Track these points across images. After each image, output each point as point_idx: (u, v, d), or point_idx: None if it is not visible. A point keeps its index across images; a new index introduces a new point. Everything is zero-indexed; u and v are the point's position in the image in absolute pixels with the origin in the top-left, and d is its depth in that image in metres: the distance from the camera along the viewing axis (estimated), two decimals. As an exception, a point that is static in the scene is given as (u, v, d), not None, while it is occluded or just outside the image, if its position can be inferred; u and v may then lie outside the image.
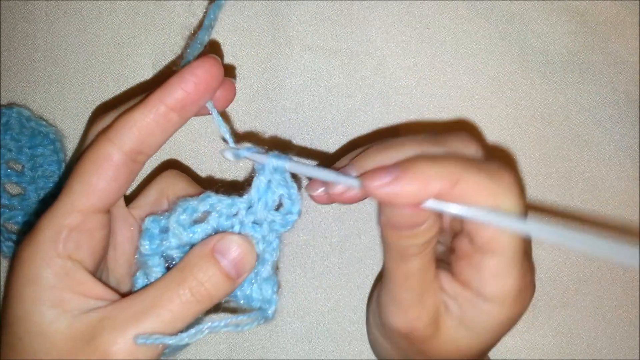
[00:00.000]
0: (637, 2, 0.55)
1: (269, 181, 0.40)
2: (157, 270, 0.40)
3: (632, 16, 0.55)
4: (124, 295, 0.38)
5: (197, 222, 0.39)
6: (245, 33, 0.54)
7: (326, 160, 0.54)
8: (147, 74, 0.54)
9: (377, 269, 0.54)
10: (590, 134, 0.55)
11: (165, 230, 0.40)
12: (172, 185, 0.44)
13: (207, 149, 0.54)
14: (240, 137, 0.54)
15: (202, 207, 0.39)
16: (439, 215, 0.38)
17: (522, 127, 0.55)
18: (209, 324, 0.38)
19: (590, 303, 0.55)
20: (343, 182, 0.38)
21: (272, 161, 0.39)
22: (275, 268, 0.41)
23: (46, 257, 0.36)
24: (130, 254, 0.43)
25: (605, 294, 0.55)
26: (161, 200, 0.43)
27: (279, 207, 0.41)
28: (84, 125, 0.54)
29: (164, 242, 0.40)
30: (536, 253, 0.54)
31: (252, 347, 0.54)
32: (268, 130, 0.54)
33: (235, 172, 0.54)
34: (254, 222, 0.40)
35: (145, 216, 0.41)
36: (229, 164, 0.54)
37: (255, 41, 0.54)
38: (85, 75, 0.54)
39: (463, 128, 0.55)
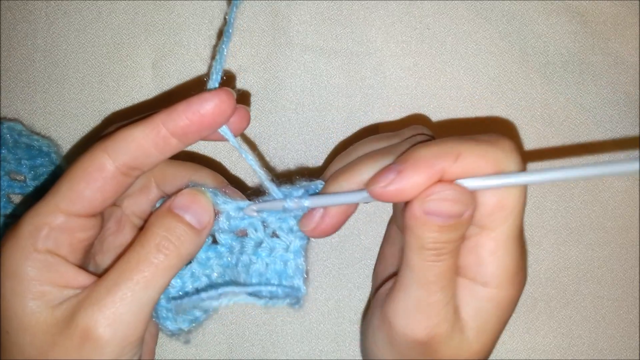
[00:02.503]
0: (637, 2, 0.55)
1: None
2: None
3: (632, 16, 0.55)
4: None
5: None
6: (245, 33, 0.54)
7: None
8: (147, 74, 0.54)
9: (377, 269, 0.54)
10: (590, 134, 0.55)
11: None
12: (157, 168, 0.42)
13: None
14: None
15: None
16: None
17: (522, 127, 0.55)
18: (231, 288, 0.39)
19: (590, 303, 0.55)
20: (351, 200, 0.38)
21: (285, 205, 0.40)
22: (305, 256, 0.42)
23: (25, 251, 0.36)
24: (117, 247, 0.43)
25: (605, 294, 0.55)
26: (149, 186, 0.43)
27: None
28: (84, 125, 0.54)
29: None
30: (536, 254, 0.55)
31: (252, 347, 0.54)
32: (268, 130, 0.54)
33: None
34: (280, 217, 0.41)
35: (140, 204, 0.41)
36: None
37: (255, 41, 0.54)
38: (85, 75, 0.54)
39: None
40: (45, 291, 0.36)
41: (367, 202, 0.39)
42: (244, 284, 0.41)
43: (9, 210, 0.52)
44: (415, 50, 0.55)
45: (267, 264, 0.41)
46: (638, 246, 0.55)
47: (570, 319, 0.55)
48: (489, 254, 0.37)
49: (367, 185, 0.36)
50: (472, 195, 0.35)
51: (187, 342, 0.43)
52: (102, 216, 0.39)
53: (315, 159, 0.54)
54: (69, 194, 0.37)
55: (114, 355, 0.36)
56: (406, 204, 0.36)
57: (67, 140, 0.54)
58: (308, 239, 0.42)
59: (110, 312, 0.35)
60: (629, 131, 0.55)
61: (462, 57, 0.55)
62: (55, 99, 0.54)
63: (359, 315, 0.54)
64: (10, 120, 0.53)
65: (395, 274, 0.44)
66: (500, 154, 0.35)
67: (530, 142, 0.55)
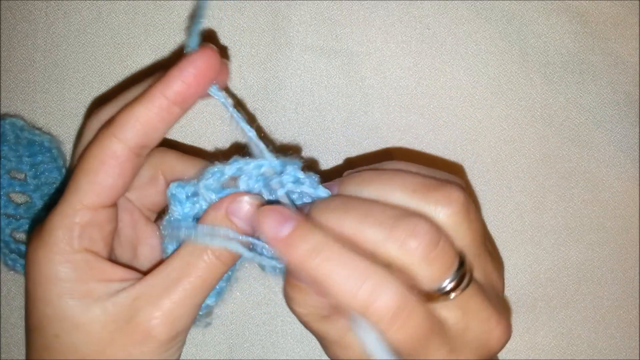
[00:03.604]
0: (637, 2, 0.55)
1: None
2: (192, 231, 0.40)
3: (632, 16, 0.55)
4: (145, 272, 0.39)
5: (225, 186, 0.40)
6: (245, 33, 0.54)
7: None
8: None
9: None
10: (590, 134, 0.55)
11: (192, 196, 0.41)
12: (163, 161, 0.43)
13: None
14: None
15: (229, 170, 0.40)
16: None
17: (522, 127, 0.55)
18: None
19: (590, 303, 0.55)
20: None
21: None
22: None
23: (64, 254, 0.37)
24: (134, 239, 0.43)
25: (605, 294, 0.55)
26: (156, 177, 0.43)
27: None
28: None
29: (196, 205, 0.40)
30: (536, 253, 0.55)
31: (252, 347, 0.54)
32: (268, 130, 0.54)
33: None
34: (295, 182, 0.40)
35: (170, 182, 0.41)
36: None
37: (255, 41, 0.54)
38: (85, 75, 0.54)
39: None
40: (91, 289, 0.37)
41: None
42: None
43: (9, 210, 0.52)
44: (415, 50, 0.55)
45: None
46: (638, 246, 0.55)
47: (570, 319, 0.55)
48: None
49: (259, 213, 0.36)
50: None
51: (207, 324, 0.44)
52: (116, 206, 0.40)
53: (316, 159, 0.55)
54: (91, 188, 0.37)
55: (167, 348, 0.37)
56: None
57: (67, 140, 0.54)
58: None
59: (169, 313, 0.37)
60: (629, 131, 0.55)
61: (462, 57, 0.55)
62: (55, 98, 0.54)
63: (359, 315, 0.54)
64: (11, 116, 0.53)
65: None
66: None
67: (530, 142, 0.55)
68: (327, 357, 0.54)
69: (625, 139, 0.56)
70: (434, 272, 0.34)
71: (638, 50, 0.55)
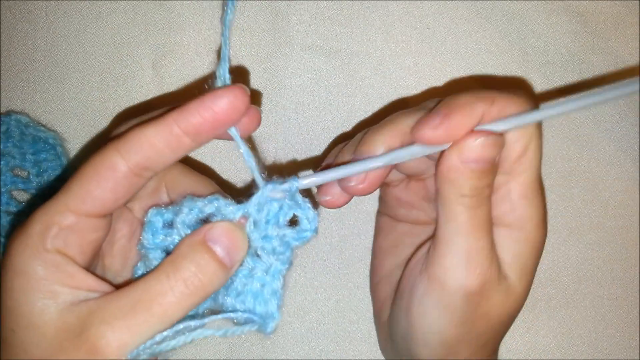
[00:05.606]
0: (637, 2, 0.55)
1: (281, 205, 0.39)
2: (157, 264, 0.38)
3: (632, 16, 0.55)
4: (117, 286, 0.37)
5: (204, 221, 0.39)
6: (245, 33, 0.54)
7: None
8: (147, 74, 0.54)
9: (377, 269, 0.54)
10: (590, 134, 0.56)
11: (168, 225, 0.39)
12: (167, 174, 0.42)
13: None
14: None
15: (208, 209, 0.39)
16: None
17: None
18: (198, 330, 0.36)
19: (590, 303, 0.55)
20: (378, 164, 0.39)
21: (278, 188, 0.38)
22: (283, 281, 0.40)
23: (34, 250, 0.36)
24: (127, 250, 0.42)
25: (605, 293, 0.55)
26: (159, 189, 0.43)
27: (292, 222, 0.40)
28: (84, 125, 0.54)
29: (168, 238, 0.39)
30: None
31: (252, 347, 0.54)
32: (268, 130, 0.54)
33: (237, 170, 0.54)
34: (265, 236, 0.39)
35: (148, 208, 0.40)
36: (229, 155, 0.54)
37: (255, 41, 0.54)
38: (85, 75, 0.54)
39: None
40: (55, 291, 0.36)
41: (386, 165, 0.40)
42: (221, 307, 0.39)
43: (12, 208, 0.52)
44: (415, 50, 0.55)
45: (244, 284, 0.39)
46: (638, 246, 0.55)
47: (570, 319, 0.55)
48: (520, 197, 0.40)
49: (414, 130, 0.38)
50: (502, 139, 0.38)
51: None
52: (111, 217, 0.39)
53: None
54: (80, 193, 0.36)
55: None
56: (439, 159, 0.38)
57: (67, 139, 0.54)
58: (290, 263, 0.40)
59: (122, 336, 0.35)
60: (629, 131, 0.56)
61: (462, 57, 0.55)
62: (55, 98, 0.54)
63: (359, 315, 0.54)
64: (17, 112, 0.53)
65: (386, 265, 0.47)
66: (524, 100, 0.39)
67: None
68: (325, 358, 0.54)
69: (625, 139, 0.56)
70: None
71: (638, 50, 0.55)
